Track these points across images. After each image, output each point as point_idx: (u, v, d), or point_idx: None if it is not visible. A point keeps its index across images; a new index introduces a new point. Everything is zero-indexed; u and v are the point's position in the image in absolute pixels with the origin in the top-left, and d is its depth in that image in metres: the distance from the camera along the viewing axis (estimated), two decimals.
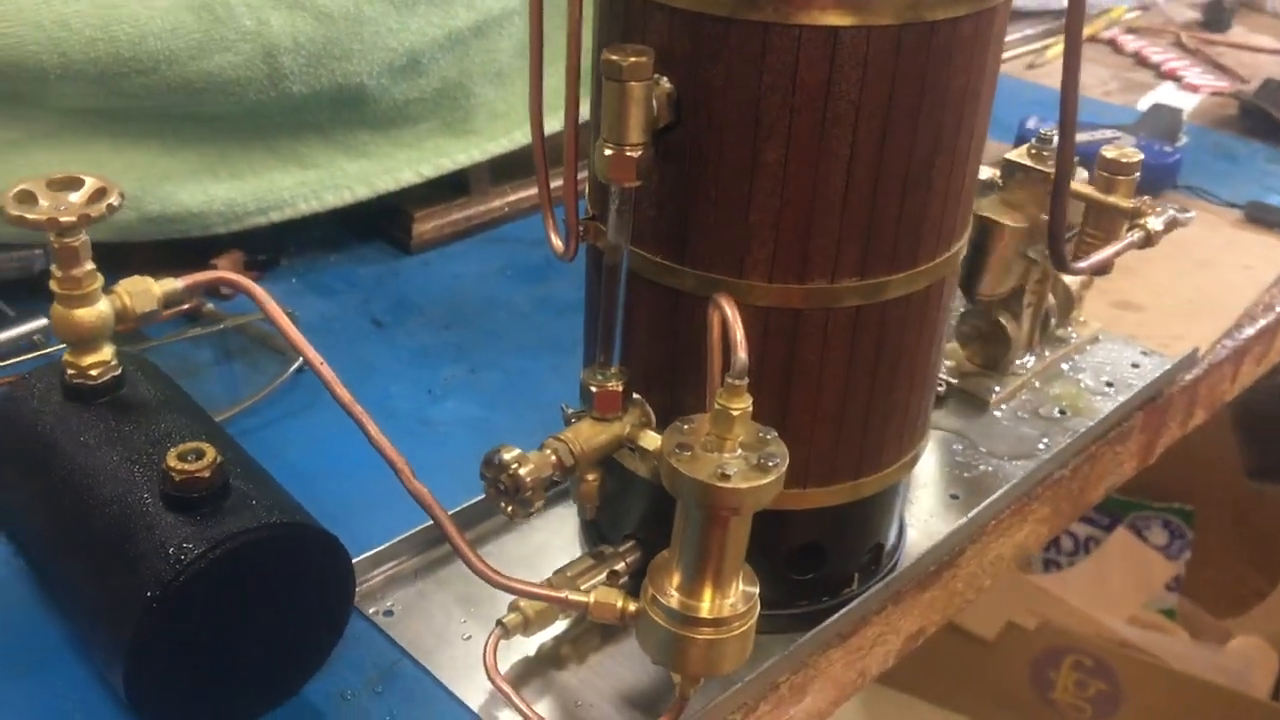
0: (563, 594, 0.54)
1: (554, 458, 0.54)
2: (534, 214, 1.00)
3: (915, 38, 0.48)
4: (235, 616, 0.52)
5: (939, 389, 0.79)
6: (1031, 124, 1.10)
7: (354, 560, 0.62)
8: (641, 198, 0.53)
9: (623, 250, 0.53)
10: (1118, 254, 0.69)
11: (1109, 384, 0.82)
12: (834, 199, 0.50)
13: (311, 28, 0.81)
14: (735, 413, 0.48)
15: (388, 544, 0.63)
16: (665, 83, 0.50)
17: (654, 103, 0.50)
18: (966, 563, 0.71)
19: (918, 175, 0.51)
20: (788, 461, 0.49)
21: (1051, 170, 0.73)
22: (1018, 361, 0.81)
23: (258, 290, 0.59)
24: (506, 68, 0.95)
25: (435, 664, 0.58)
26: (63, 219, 0.52)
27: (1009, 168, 0.76)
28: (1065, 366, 0.83)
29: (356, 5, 0.83)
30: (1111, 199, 0.73)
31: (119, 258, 0.65)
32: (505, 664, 0.58)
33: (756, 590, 0.52)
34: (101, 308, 0.56)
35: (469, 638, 0.60)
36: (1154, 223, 0.71)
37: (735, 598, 0.52)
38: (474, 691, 0.57)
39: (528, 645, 0.60)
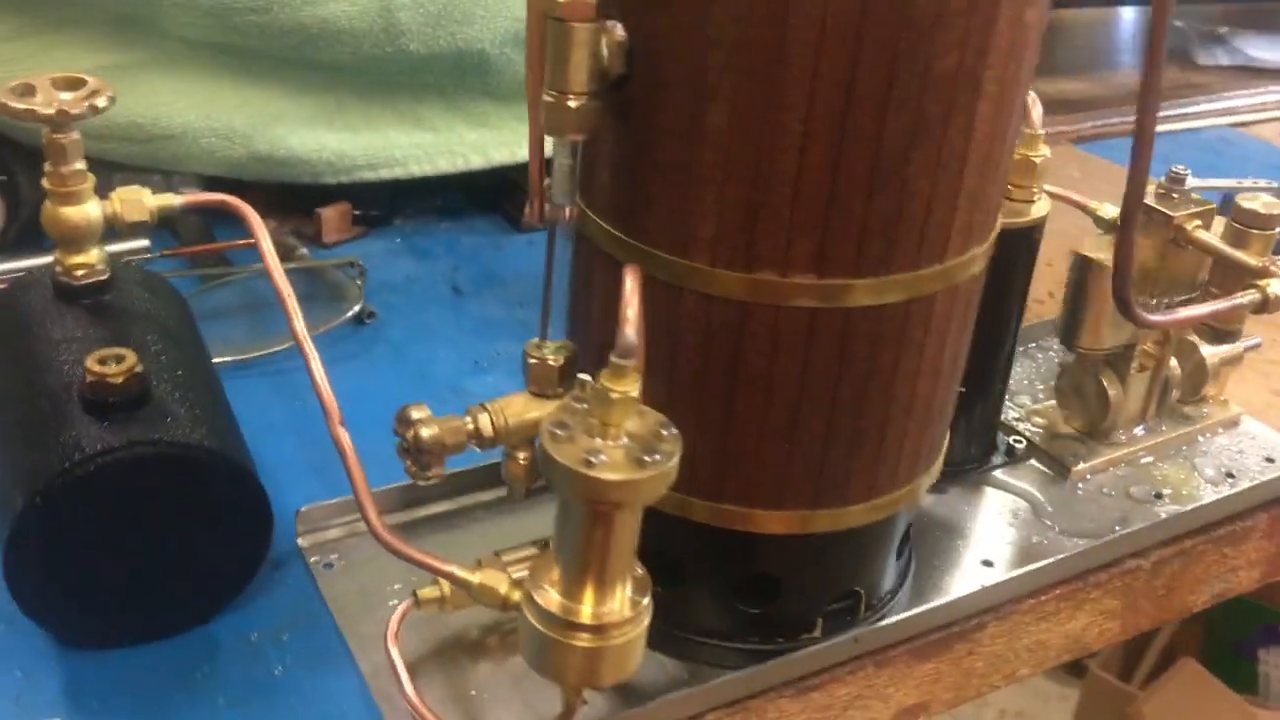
0: (449, 568, 0.51)
1: (470, 426, 0.51)
2: None
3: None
4: (130, 529, 0.51)
5: (1016, 445, 0.70)
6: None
7: (307, 508, 0.61)
8: (597, 160, 0.49)
9: (563, 213, 0.49)
10: (1213, 314, 0.59)
11: (1230, 475, 0.70)
12: (784, 179, 0.44)
13: None
14: (615, 396, 0.43)
15: (348, 498, 0.61)
16: (619, 30, 0.45)
17: (604, 50, 0.45)
18: (990, 640, 0.62)
19: (889, 168, 0.45)
20: (674, 462, 0.43)
21: (1176, 213, 0.64)
22: (1121, 431, 0.71)
23: (253, 218, 0.58)
24: None
25: (348, 624, 0.56)
26: (40, 110, 0.53)
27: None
28: (1184, 448, 0.72)
29: None
30: (1237, 253, 0.63)
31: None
32: (419, 639, 0.55)
33: (647, 598, 0.47)
34: (89, 209, 0.57)
35: (394, 604, 0.57)
36: (1277, 286, 0.60)
37: (621, 603, 0.47)
38: (371, 659, 0.54)
39: (451, 624, 0.56)
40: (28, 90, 0.55)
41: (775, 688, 0.55)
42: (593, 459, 0.43)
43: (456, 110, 0.89)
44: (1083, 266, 0.66)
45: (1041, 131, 0.63)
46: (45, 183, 0.56)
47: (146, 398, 0.52)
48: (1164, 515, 0.66)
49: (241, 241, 0.80)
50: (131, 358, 0.51)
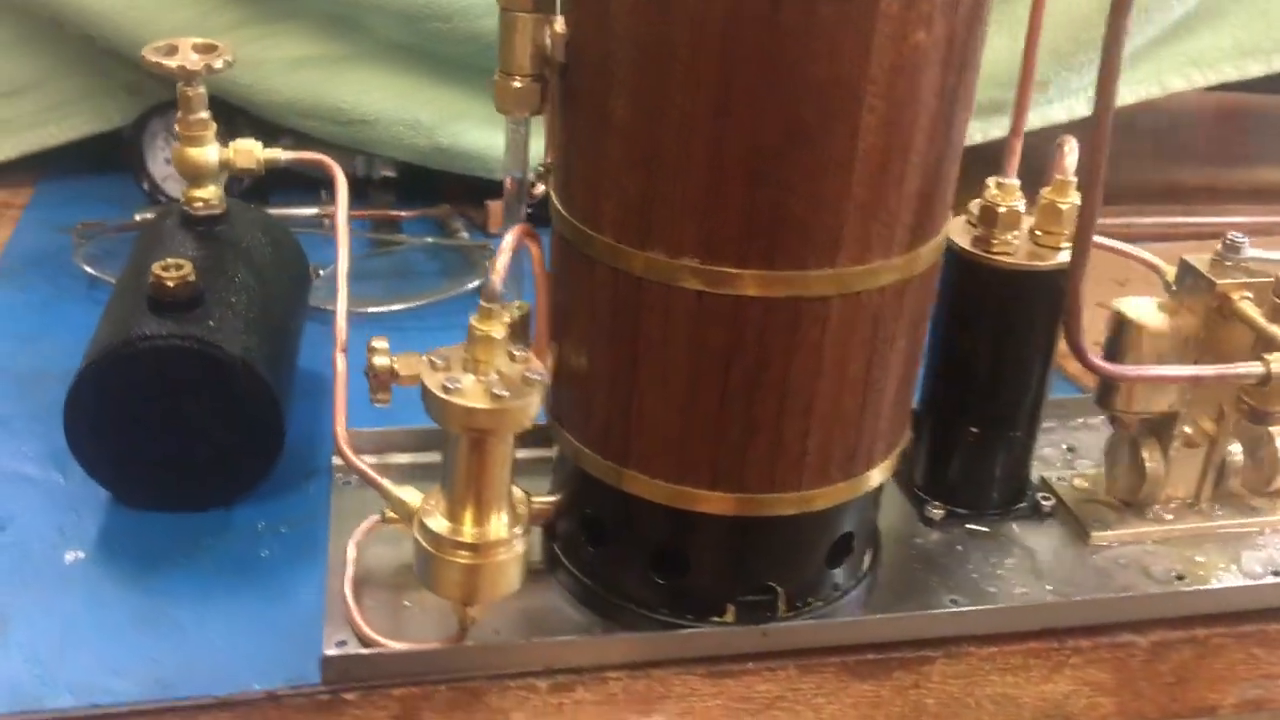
0: (381, 481, 0.58)
1: (424, 363, 0.57)
2: None
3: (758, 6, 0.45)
4: (164, 407, 0.62)
5: (1044, 501, 0.69)
6: None
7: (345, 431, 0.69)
8: (551, 141, 0.55)
9: (515, 182, 0.55)
10: (1194, 378, 0.56)
11: (1277, 573, 0.65)
12: (672, 166, 0.49)
13: None
14: (479, 334, 0.49)
15: (386, 429, 0.69)
16: (560, 23, 0.51)
17: (547, 40, 0.51)
18: (941, 678, 0.62)
19: (768, 165, 0.48)
20: (524, 401, 0.49)
21: (1220, 281, 0.62)
22: (1163, 509, 0.68)
23: (338, 180, 0.68)
24: None
25: (336, 528, 0.63)
26: (164, 62, 0.65)
27: (1183, 270, 0.65)
28: (1238, 540, 0.68)
29: None
30: (1271, 327, 0.60)
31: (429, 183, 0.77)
32: (385, 552, 0.62)
33: (523, 526, 0.52)
34: (209, 152, 0.69)
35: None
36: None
37: (497, 526, 0.52)
38: (337, 557, 0.61)
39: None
40: (170, 50, 0.67)
41: (683, 663, 0.58)
42: (450, 386, 0.49)
43: None
44: (1118, 325, 0.64)
45: (1073, 179, 0.62)
46: (177, 127, 0.68)
47: (197, 303, 0.62)
48: (1178, 597, 0.62)
49: (406, 213, 0.92)
50: (188, 268, 0.62)
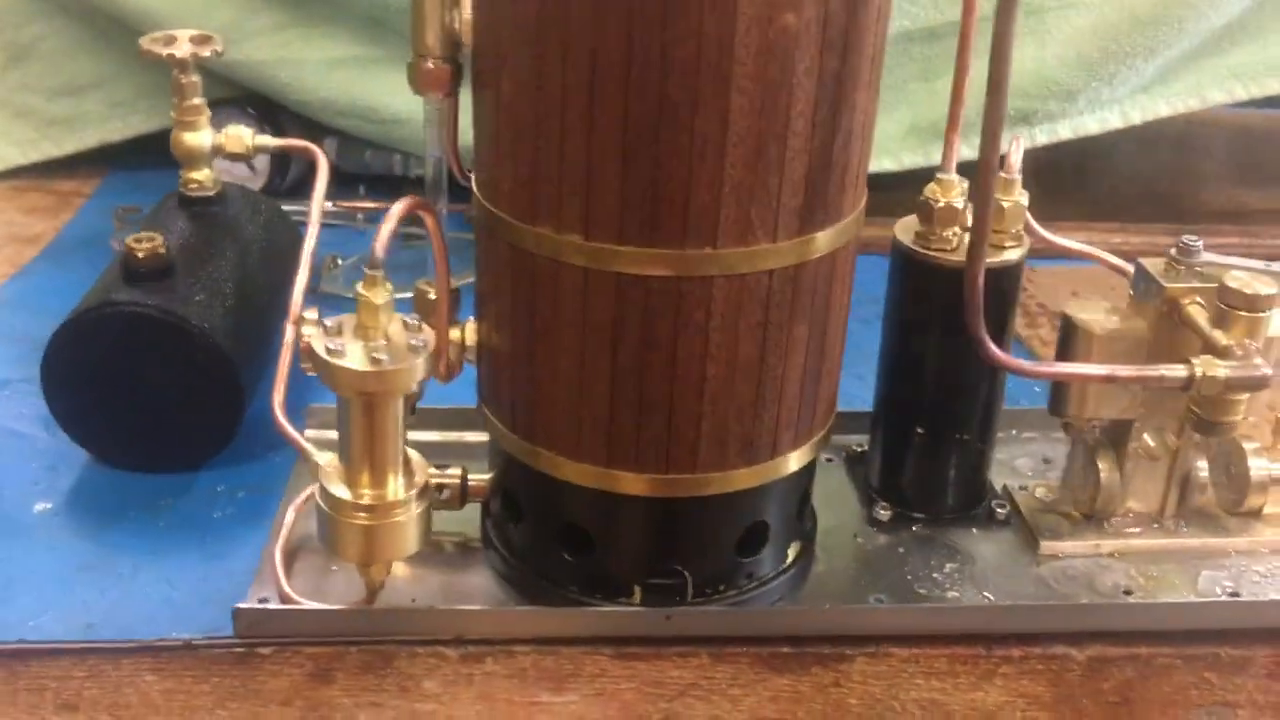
0: (304, 444, 0.60)
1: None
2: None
3: None
4: (133, 370, 0.65)
5: (998, 509, 0.67)
6: None
7: (315, 406, 0.72)
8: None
9: (436, 161, 0.57)
10: (1108, 377, 0.55)
11: (1235, 594, 0.63)
12: (551, 142, 0.50)
13: None
14: (363, 300, 0.51)
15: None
16: (468, 8, 0.53)
17: (456, 24, 0.53)
18: (861, 677, 0.61)
19: (638, 144, 0.48)
20: (401, 368, 0.50)
21: (1170, 285, 0.60)
22: (1122, 521, 0.66)
23: (320, 165, 0.71)
24: None
25: (289, 496, 0.66)
26: (155, 49, 0.69)
27: (1138, 274, 0.63)
28: (1202, 559, 0.65)
29: None
30: (1214, 332, 0.57)
31: None
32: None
33: (418, 489, 0.54)
34: (202, 137, 0.73)
35: None
36: (1208, 367, 0.55)
37: (394, 489, 0.54)
38: (281, 522, 0.64)
39: None
40: (169, 40, 0.72)
41: (592, 642, 0.59)
42: (332, 346, 0.51)
43: None
44: (1067, 327, 0.62)
45: (1017, 177, 0.61)
46: (173, 113, 0.72)
47: (168, 274, 0.66)
48: (1121, 612, 0.60)
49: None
50: (158, 240, 0.66)
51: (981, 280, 0.52)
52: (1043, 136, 0.95)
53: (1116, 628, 0.61)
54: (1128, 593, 0.62)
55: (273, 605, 0.58)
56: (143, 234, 0.66)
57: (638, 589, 0.58)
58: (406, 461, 0.55)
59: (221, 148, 0.73)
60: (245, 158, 0.73)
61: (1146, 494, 0.65)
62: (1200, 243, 0.60)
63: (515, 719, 0.56)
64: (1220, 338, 0.56)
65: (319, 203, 0.69)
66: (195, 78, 0.72)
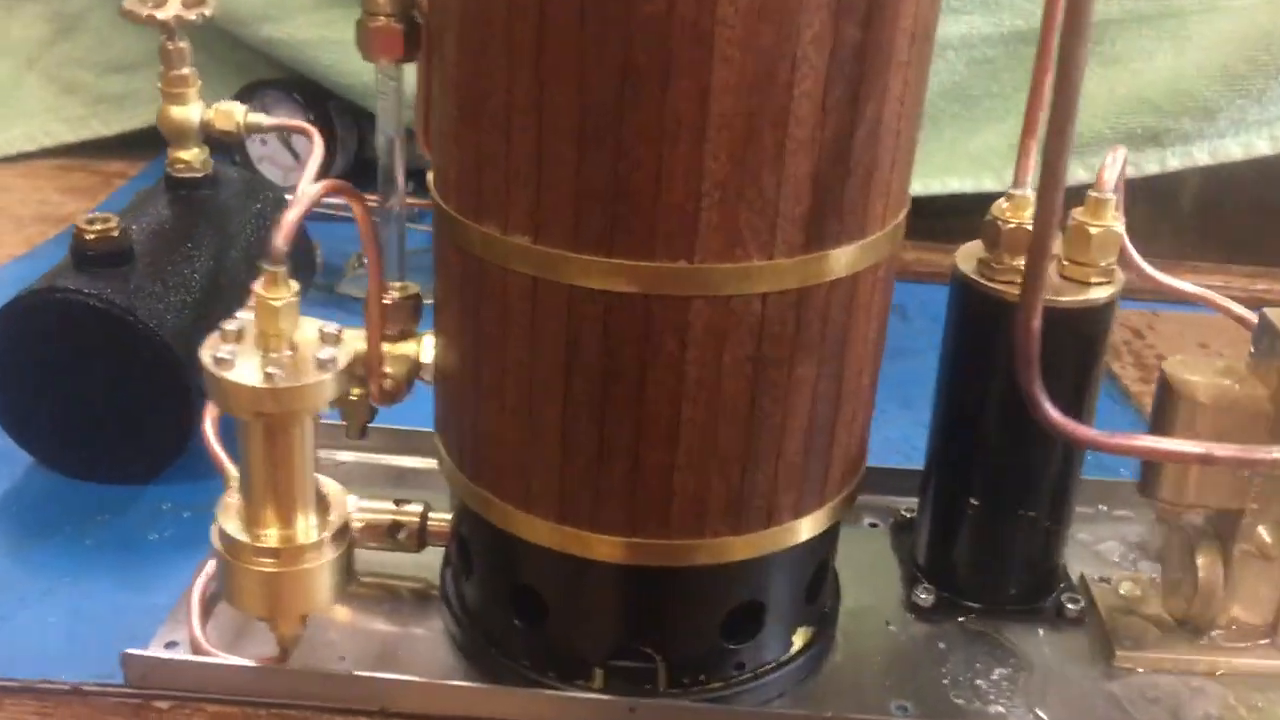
0: (228, 469, 0.51)
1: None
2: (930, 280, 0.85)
3: None
4: (78, 367, 0.58)
5: (1070, 605, 0.55)
6: None
7: None
8: None
9: (388, 142, 0.48)
10: (1204, 457, 0.42)
11: None
12: (497, 119, 0.40)
13: None
14: (260, 300, 0.42)
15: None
16: None
17: None
18: None
19: (599, 123, 0.38)
20: (298, 385, 0.41)
21: None
22: (1227, 633, 0.53)
23: (314, 144, 0.64)
24: (932, 109, 0.84)
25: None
26: (138, 11, 0.62)
27: (1261, 327, 0.50)
28: None
29: None
30: None
31: None
32: None
33: (334, 530, 0.45)
34: (191, 111, 0.65)
35: None
36: None
37: (304, 530, 0.45)
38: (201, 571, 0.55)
39: None
40: (159, 4, 0.64)
41: None
42: (222, 357, 0.42)
43: None
44: (1164, 389, 0.50)
45: (1111, 196, 0.49)
46: (159, 85, 0.65)
47: (122, 261, 0.58)
48: None
49: None
50: (113, 222, 0.58)
51: (1037, 322, 0.41)
52: (1174, 160, 0.81)
53: None
54: None
55: (173, 654, 0.49)
56: (96, 215, 0.59)
57: (599, 672, 0.48)
58: (321, 497, 0.46)
59: (210, 123, 0.65)
60: (236, 136, 0.66)
61: (1257, 602, 0.52)
62: None
63: None
64: None
65: (308, 181, 0.62)
66: (184, 43, 0.64)
